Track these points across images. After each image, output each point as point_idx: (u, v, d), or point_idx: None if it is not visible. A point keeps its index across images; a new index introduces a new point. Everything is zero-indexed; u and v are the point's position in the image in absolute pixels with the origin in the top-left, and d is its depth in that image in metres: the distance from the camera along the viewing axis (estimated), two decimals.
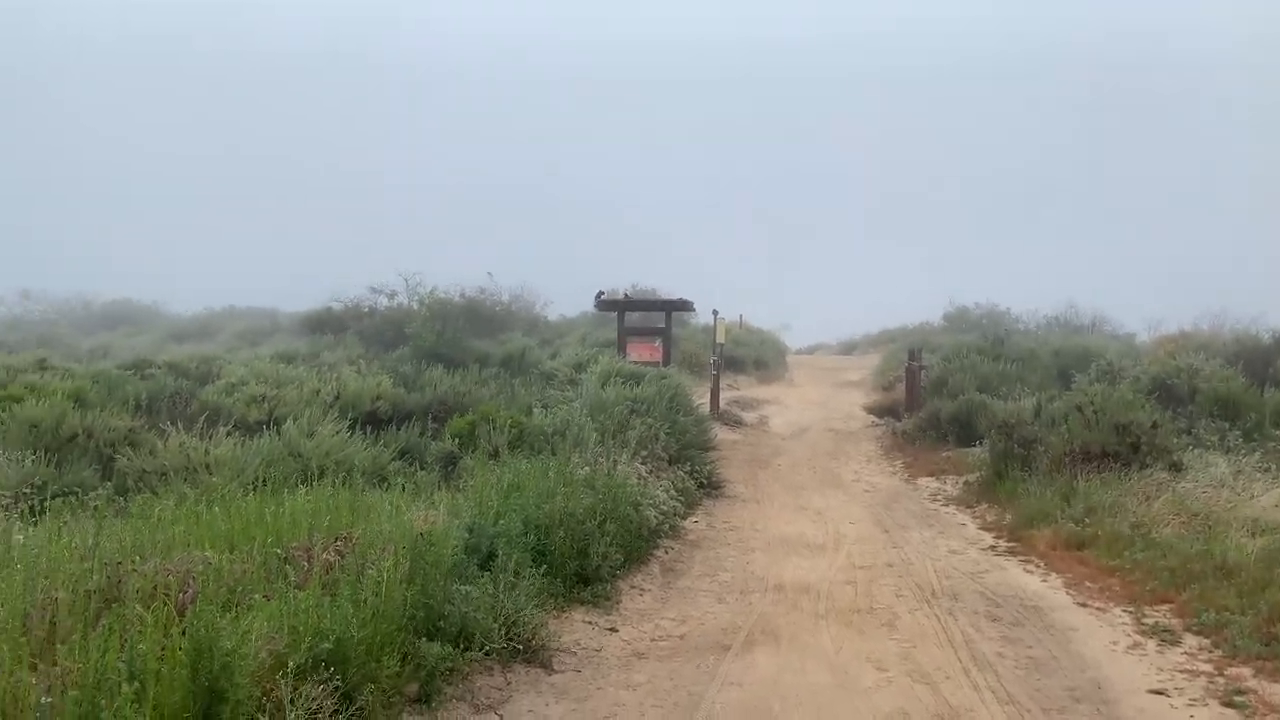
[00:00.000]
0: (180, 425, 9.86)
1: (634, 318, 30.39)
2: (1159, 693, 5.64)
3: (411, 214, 78.51)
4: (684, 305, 20.69)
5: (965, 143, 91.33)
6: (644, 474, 9.95)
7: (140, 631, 3.91)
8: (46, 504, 7.01)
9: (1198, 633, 6.55)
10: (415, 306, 27.45)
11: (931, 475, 13.44)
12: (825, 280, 73.98)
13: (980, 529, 10.06)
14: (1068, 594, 7.61)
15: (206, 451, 9.03)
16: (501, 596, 5.90)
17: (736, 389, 26.10)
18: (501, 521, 6.86)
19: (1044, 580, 8.03)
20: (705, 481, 11.84)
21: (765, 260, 76.28)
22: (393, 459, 10.40)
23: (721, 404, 20.05)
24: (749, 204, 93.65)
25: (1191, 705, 5.47)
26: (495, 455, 9.75)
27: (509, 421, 10.63)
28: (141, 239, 66.07)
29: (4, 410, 10.15)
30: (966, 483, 12.22)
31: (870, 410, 20.40)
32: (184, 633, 3.96)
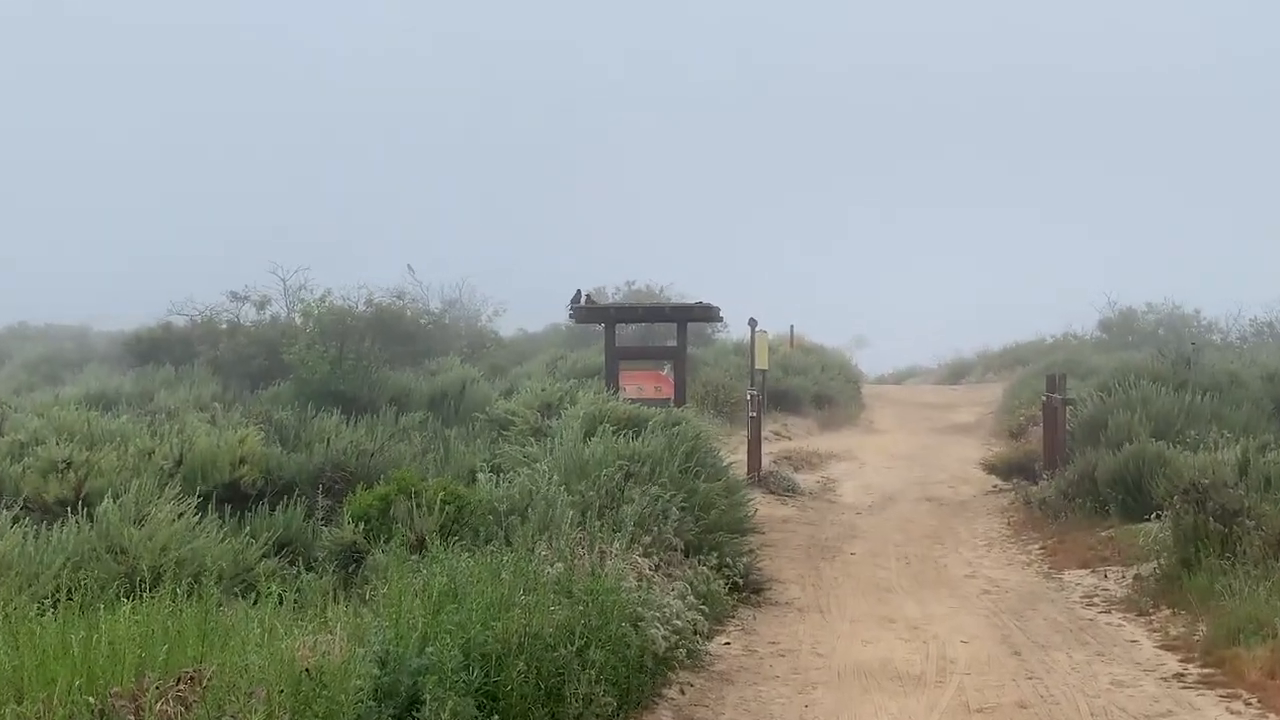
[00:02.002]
0: None
1: (630, 332, 30.47)
2: None
3: (302, 186, 79.33)
4: (705, 313, 20.73)
5: (1124, 68, 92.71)
6: (647, 571, 9.92)
7: None
8: None
9: None
10: (298, 320, 27.47)
11: (1084, 566, 13.41)
12: (919, 274, 74.50)
13: (1159, 647, 10.03)
14: None
15: None
16: None
17: (787, 438, 26.12)
18: (430, 650, 6.84)
19: None
20: (741, 581, 11.80)
21: (825, 247, 76.84)
22: (264, 555, 10.37)
23: (765, 462, 20.04)
24: (796, 166, 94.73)
25: None
26: (420, 548, 9.72)
27: (441, 495, 10.61)
28: None
29: None
30: (1137, 576, 12.19)
31: (991, 468, 20.38)
32: None
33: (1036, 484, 17.62)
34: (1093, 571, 13.12)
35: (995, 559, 14.36)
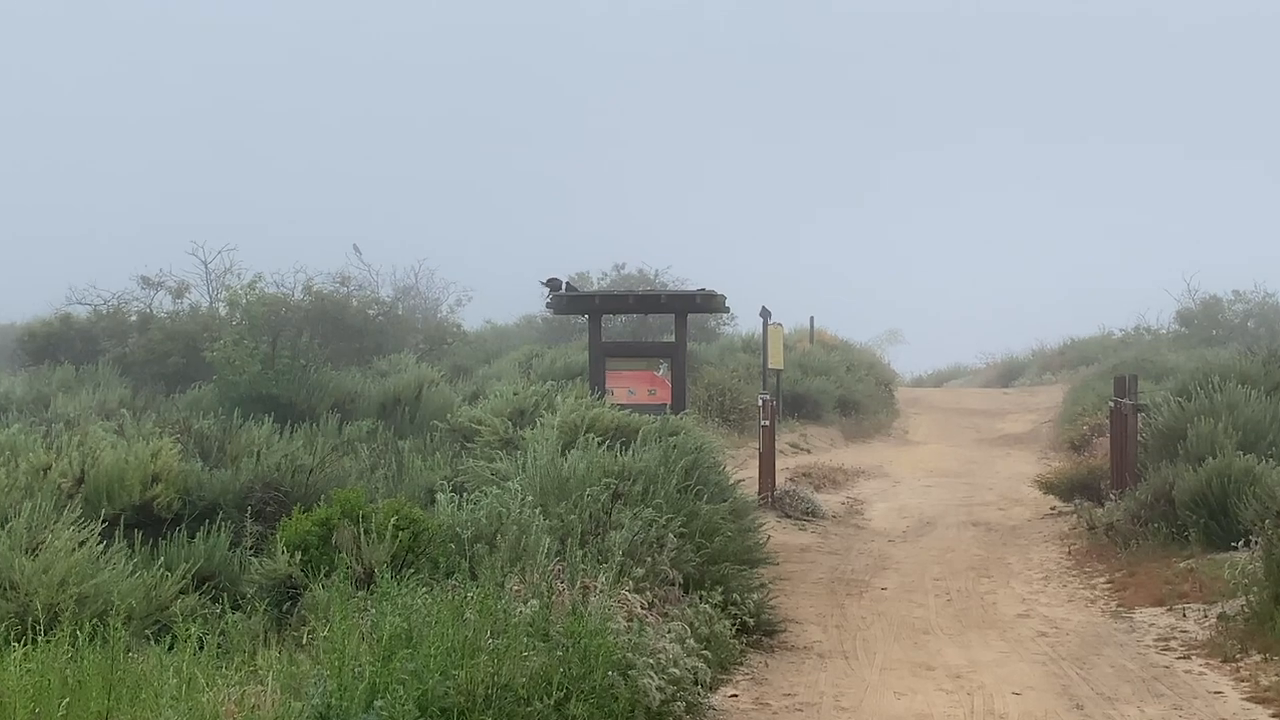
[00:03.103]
0: None
1: (619, 325, 30.43)
2: None
3: (233, 147, 79.17)
4: (709, 303, 20.71)
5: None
6: (639, 610, 9.91)
7: None
8: None
9: None
10: (223, 311, 27.48)
11: (1159, 603, 13.41)
12: (960, 261, 74.61)
13: (1248, 699, 10.02)
14: None
15: None
16: None
17: (806, 451, 26.15)
18: (379, 703, 6.84)
19: None
20: (751, 621, 11.78)
21: (850, 230, 76.95)
22: (182, 591, 10.35)
23: (780, 479, 20.03)
24: (814, 141, 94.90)
25: None
26: (368, 582, 9.72)
27: (393, 519, 10.60)
28: None
29: None
30: (1222, 616, 12.19)
31: (1048, 487, 20.40)
32: None
33: (1102, 505, 17.62)
34: (1169, 610, 13.11)
35: (1053, 594, 14.37)
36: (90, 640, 7.11)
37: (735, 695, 10.26)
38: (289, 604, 10.16)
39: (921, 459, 26.16)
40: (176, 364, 25.29)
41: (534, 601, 8.81)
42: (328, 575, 9.92)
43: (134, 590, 9.79)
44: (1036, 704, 10.01)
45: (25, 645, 6.96)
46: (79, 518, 11.00)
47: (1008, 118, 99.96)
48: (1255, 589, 11.90)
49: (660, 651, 9.28)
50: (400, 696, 6.90)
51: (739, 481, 15.10)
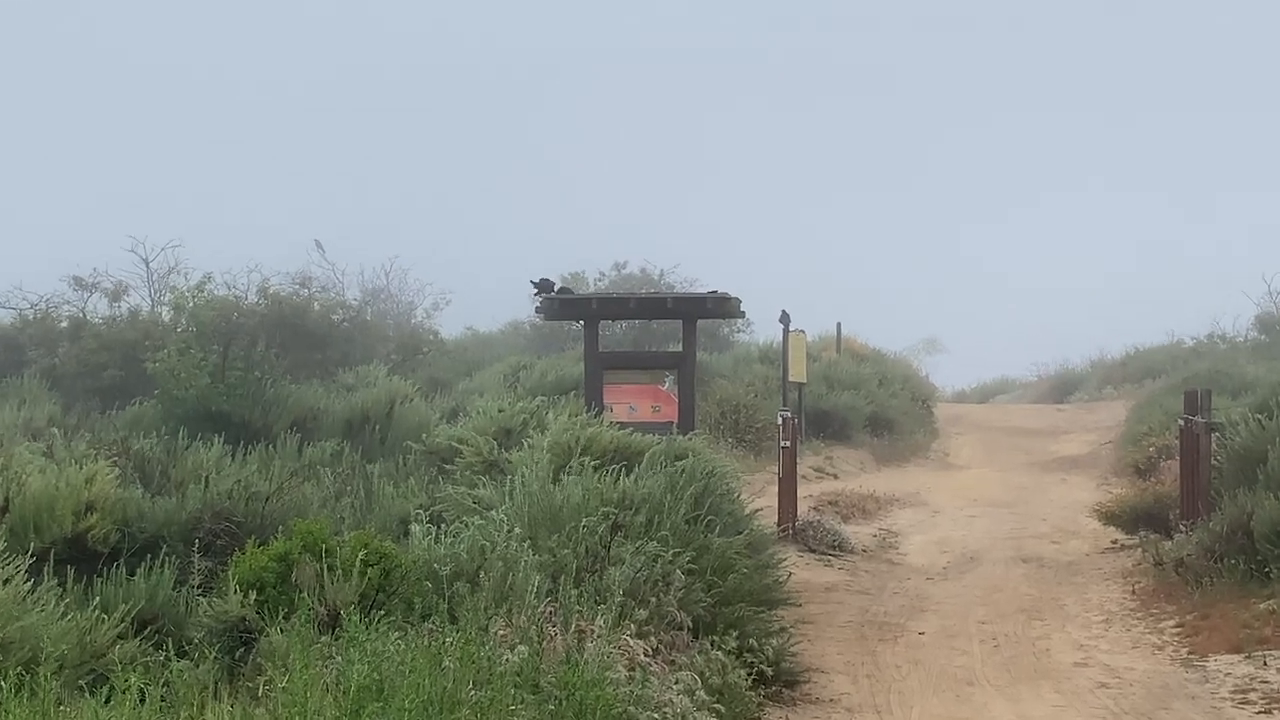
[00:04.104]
0: None
1: (619, 333, 30.46)
2: None
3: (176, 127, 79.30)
4: (721, 307, 20.74)
5: None
6: (642, 657, 9.91)
7: None
8: None
9: None
10: (166, 316, 27.51)
11: (1236, 649, 13.39)
12: (1010, 256, 74.59)
13: None
14: None
15: None
16: None
17: (832, 475, 26.12)
18: None
19: None
20: (770, 671, 11.79)
21: (881, 223, 76.94)
22: (121, 635, 10.34)
23: (802, 509, 20.02)
24: (838, 122, 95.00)
25: None
26: (333, 625, 9.72)
27: (361, 553, 10.60)
28: None
29: None
30: None
31: (1109, 517, 20.37)
32: None
33: (1171, 538, 17.61)
34: (1247, 657, 13.10)
35: (1115, 640, 14.35)
36: (16, 692, 7.11)
37: None
38: (242, 650, 10.15)
39: (964, 485, 26.14)
40: (113, 376, 25.31)
41: (522, 648, 8.81)
42: (286, 618, 9.91)
43: (66, 635, 9.77)
44: None
45: None
46: (2, 552, 11.00)
47: (1057, 93, 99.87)
48: None
49: (666, 705, 9.29)
50: None
51: (756, 511, 15.11)
